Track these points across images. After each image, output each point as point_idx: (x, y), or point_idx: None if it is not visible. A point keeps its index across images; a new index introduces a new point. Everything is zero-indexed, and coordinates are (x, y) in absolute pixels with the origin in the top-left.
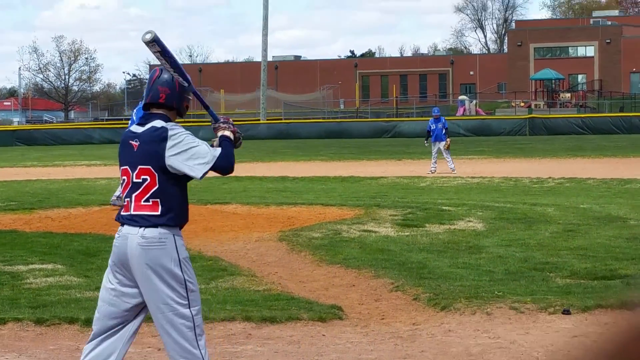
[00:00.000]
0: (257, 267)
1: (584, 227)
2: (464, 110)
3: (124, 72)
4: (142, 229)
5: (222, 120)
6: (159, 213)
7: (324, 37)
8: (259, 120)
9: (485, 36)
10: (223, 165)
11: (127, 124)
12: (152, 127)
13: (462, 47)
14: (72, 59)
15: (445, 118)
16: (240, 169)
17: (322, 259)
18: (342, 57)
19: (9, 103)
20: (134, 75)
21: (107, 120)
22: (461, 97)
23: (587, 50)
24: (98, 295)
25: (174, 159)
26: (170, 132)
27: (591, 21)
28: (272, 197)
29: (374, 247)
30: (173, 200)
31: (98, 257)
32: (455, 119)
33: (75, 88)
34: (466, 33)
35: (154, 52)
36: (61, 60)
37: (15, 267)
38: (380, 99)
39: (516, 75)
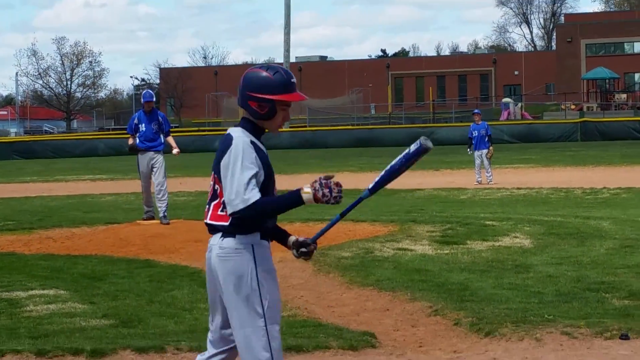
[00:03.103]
0: (280, 291)
1: None
2: (509, 114)
3: (131, 77)
4: (221, 238)
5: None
6: (227, 224)
7: (352, 36)
8: (281, 127)
9: (531, 32)
10: (246, 216)
11: None
12: (229, 132)
13: (506, 45)
14: (74, 62)
15: (488, 123)
16: None
17: (352, 281)
18: (373, 57)
19: (6, 112)
20: (143, 80)
21: (113, 129)
22: (505, 100)
23: None
24: (105, 323)
25: (224, 180)
26: (232, 147)
27: None
28: (297, 213)
29: (410, 267)
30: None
31: (105, 281)
32: (499, 124)
33: (78, 95)
34: (510, 29)
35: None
36: (62, 64)
37: (14, 293)
38: (415, 103)
39: (566, 75)
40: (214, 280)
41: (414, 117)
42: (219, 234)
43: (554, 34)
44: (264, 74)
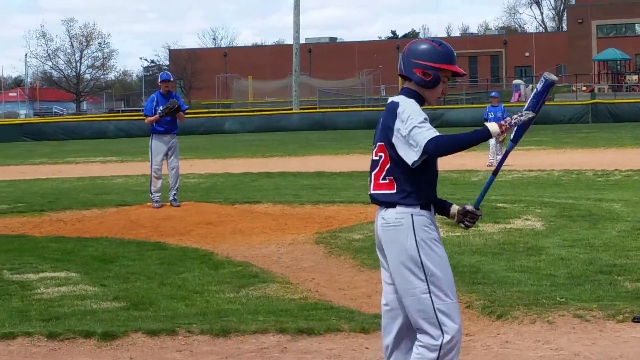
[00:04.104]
0: (291, 273)
1: None
2: (519, 95)
3: (141, 58)
4: (384, 209)
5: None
6: (394, 191)
7: (362, 17)
8: (291, 109)
9: (542, 13)
10: (431, 149)
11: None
12: (392, 101)
13: (516, 26)
14: (83, 44)
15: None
16: (272, 165)
17: (363, 264)
18: (383, 38)
19: (15, 94)
20: (152, 61)
21: (122, 111)
22: (516, 82)
23: None
24: (116, 305)
25: (397, 140)
26: (399, 109)
27: None
28: (307, 195)
29: None
30: (407, 178)
31: (115, 264)
32: (510, 106)
33: (87, 76)
34: (521, 10)
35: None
36: (72, 45)
37: (25, 275)
38: None
39: (577, 57)
40: (381, 249)
41: None
42: (382, 206)
43: (565, 15)
44: (431, 44)
